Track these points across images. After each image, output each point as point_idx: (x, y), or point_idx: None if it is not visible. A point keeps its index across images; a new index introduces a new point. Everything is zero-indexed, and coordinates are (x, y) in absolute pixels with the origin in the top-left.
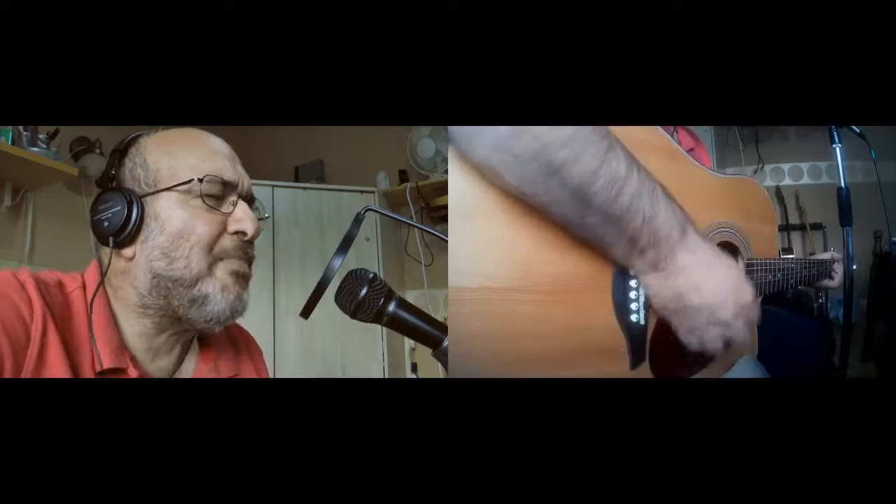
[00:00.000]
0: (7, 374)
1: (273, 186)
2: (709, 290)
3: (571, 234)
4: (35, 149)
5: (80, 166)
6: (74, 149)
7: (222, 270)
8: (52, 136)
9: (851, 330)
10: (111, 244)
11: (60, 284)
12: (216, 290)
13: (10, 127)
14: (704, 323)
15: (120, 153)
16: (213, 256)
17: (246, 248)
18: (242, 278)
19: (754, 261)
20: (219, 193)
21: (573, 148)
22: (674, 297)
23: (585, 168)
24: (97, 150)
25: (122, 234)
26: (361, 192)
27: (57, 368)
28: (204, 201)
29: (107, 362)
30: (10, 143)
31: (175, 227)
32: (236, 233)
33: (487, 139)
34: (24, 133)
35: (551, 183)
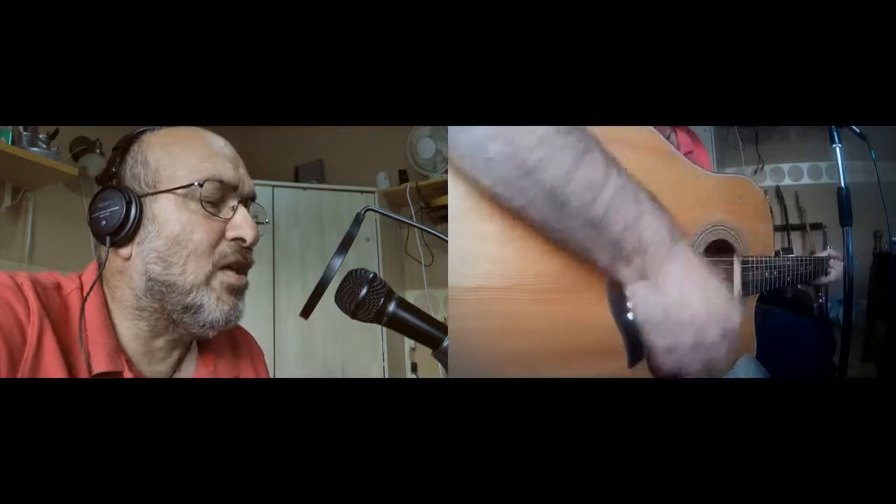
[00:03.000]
0: (3, 377)
1: (273, 186)
2: (697, 306)
3: (553, 241)
4: (35, 149)
5: (80, 166)
6: (74, 149)
7: (219, 283)
8: (52, 136)
9: (851, 330)
10: (108, 243)
11: (58, 286)
12: (211, 300)
13: (10, 127)
14: (687, 344)
15: (122, 150)
16: (212, 263)
17: (245, 254)
18: (238, 291)
19: (750, 259)
20: (218, 197)
21: (545, 151)
22: (659, 311)
23: (558, 170)
24: (97, 150)
25: (120, 235)
26: (361, 192)
27: (53, 371)
28: (203, 206)
29: (102, 366)
30: (10, 143)
31: (172, 231)
32: (235, 239)
33: (461, 144)
34: (24, 133)
35: (525, 184)
